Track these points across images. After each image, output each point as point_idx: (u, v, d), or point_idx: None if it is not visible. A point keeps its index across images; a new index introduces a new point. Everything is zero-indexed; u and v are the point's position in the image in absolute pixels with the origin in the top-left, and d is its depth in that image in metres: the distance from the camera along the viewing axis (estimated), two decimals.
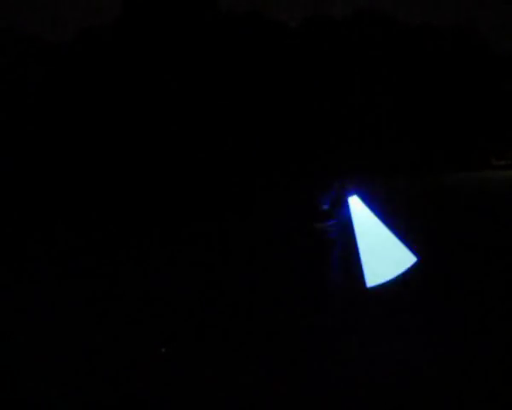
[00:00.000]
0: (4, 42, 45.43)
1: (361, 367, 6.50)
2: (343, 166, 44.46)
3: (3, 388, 6.17)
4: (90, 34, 49.08)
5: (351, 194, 6.70)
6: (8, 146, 41.61)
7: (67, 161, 42.67)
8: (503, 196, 24.66)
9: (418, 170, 44.18)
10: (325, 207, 6.64)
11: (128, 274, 11.43)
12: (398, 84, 49.79)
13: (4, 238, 16.17)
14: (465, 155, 49.83)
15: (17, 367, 6.71)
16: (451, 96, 50.22)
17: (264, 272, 11.13)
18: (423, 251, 12.51)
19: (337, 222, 6.72)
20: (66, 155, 43.03)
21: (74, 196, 30.31)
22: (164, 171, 42.14)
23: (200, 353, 7.04)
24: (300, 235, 6.78)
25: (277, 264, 11.39)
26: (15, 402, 5.89)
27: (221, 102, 46.08)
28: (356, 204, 6.62)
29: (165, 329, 7.97)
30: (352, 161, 46.57)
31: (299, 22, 52.63)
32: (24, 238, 16.47)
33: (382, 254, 6.33)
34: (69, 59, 47.02)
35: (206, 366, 6.61)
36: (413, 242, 13.46)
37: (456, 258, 11.99)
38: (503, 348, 6.96)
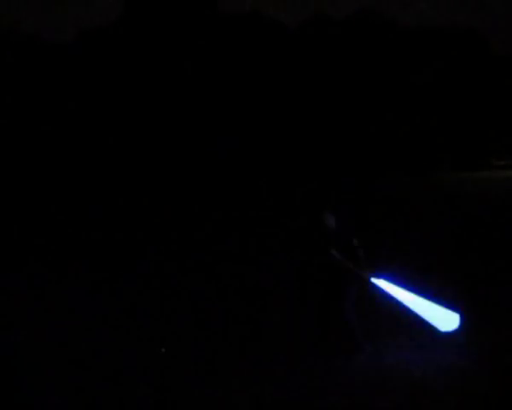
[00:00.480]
0: (4, 42, 45.42)
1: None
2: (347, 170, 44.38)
3: (5, 388, 6.18)
4: (90, 35, 49.13)
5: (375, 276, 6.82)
6: (9, 145, 41.61)
7: (68, 160, 42.70)
8: (503, 196, 24.67)
9: (418, 170, 44.20)
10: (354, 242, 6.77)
11: (129, 274, 11.43)
12: (398, 85, 49.81)
13: (7, 239, 16.18)
14: (465, 155, 49.86)
15: (18, 368, 6.72)
16: (451, 97, 50.24)
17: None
18: (427, 251, 12.52)
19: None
20: (66, 155, 43.07)
21: (73, 194, 30.35)
22: (164, 171, 42.15)
23: (200, 354, 7.05)
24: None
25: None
26: (16, 402, 5.89)
27: (221, 102, 46.11)
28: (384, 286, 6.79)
29: (165, 330, 7.96)
30: (354, 161, 46.60)
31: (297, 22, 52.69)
32: (26, 239, 16.49)
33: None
34: (69, 59, 47.05)
35: (205, 366, 6.61)
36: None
37: (455, 257, 11.98)
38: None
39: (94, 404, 5.84)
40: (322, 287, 6.98)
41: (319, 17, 53.24)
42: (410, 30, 53.18)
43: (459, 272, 10.58)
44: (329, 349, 6.90)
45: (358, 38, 50.70)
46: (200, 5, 49.71)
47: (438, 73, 50.53)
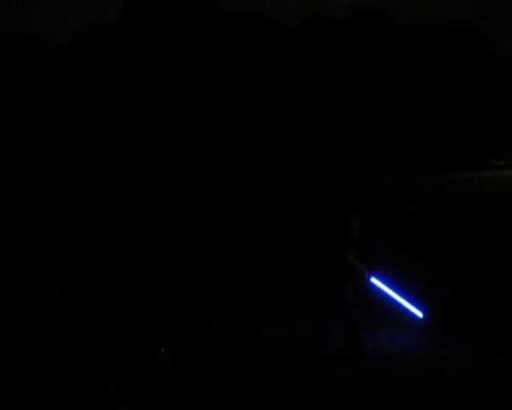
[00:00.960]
0: (4, 42, 45.46)
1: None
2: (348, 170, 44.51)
3: (9, 387, 6.19)
4: (90, 35, 49.16)
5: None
6: (9, 145, 41.64)
7: (67, 159, 42.75)
8: (503, 196, 24.68)
9: (419, 170, 44.27)
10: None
11: (129, 274, 11.43)
12: (398, 85, 49.85)
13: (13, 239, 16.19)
14: (465, 155, 49.93)
15: (21, 367, 6.73)
16: (451, 97, 50.29)
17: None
18: (425, 251, 12.53)
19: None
20: (65, 154, 43.11)
21: (71, 192, 30.38)
22: (163, 170, 42.18)
23: (199, 353, 7.05)
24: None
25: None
26: (19, 401, 5.91)
27: (221, 103, 46.14)
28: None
29: (164, 329, 7.97)
30: (354, 161, 46.66)
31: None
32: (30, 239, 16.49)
33: None
34: (69, 59, 47.09)
35: (205, 366, 6.62)
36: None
37: (455, 257, 11.99)
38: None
39: (93, 403, 5.86)
40: (323, 288, 6.97)
41: (319, 17, 53.30)
42: (410, 30, 53.23)
43: (457, 271, 10.59)
44: (331, 349, 6.91)
45: (358, 37, 50.74)
46: (200, 5, 49.74)
47: (438, 72, 50.57)
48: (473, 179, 36.70)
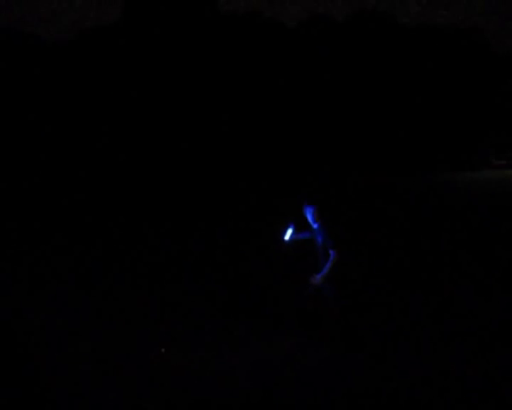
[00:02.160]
0: (4, 42, 45.45)
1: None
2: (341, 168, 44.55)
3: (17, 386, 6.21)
4: (90, 35, 49.15)
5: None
6: (9, 144, 41.65)
7: (67, 159, 42.75)
8: (503, 196, 24.69)
9: (419, 170, 44.24)
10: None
11: (129, 273, 11.44)
12: (398, 85, 49.86)
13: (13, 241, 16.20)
14: (465, 155, 49.88)
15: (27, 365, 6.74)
16: (451, 96, 50.28)
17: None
18: (424, 250, 12.54)
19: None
20: (66, 154, 43.11)
21: (71, 192, 30.34)
22: (163, 170, 42.17)
23: (199, 352, 7.05)
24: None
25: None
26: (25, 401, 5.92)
27: (220, 102, 46.15)
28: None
29: (164, 329, 7.97)
30: (353, 161, 46.65)
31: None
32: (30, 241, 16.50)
33: None
34: (69, 59, 47.07)
35: (205, 365, 6.62)
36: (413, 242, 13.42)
37: (456, 257, 12.00)
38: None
39: (94, 402, 5.86)
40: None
41: (319, 17, 53.28)
42: (411, 30, 53.20)
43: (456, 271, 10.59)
44: (324, 339, 6.94)
45: (358, 37, 50.72)
46: (200, 5, 49.72)
47: (438, 72, 50.55)
48: (473, 179, 36.68)
